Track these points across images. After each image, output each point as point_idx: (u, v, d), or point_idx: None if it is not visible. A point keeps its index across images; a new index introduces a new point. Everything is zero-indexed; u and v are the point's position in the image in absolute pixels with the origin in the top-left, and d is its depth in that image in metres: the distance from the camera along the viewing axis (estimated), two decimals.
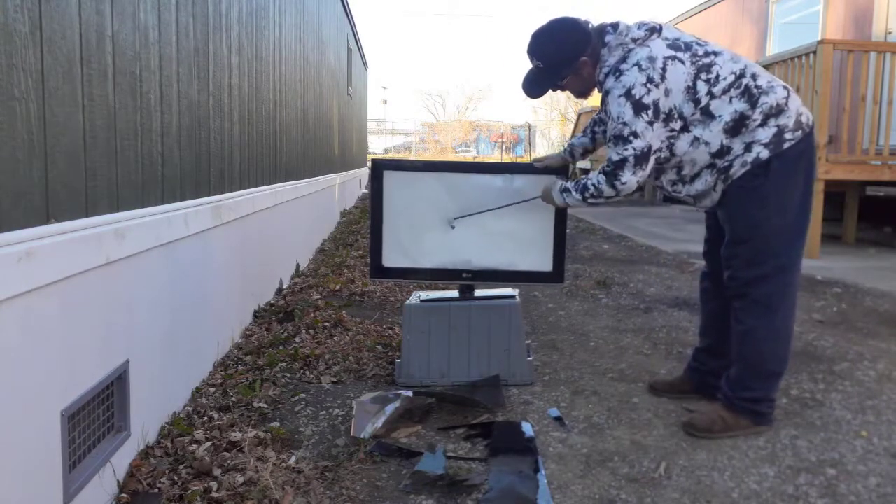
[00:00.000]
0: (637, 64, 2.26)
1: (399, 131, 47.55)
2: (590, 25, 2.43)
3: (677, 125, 2.29)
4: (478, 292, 2.98)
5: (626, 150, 2.28)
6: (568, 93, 2.68)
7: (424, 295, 3.06)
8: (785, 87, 2.33)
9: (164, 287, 2.35)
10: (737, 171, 2.29)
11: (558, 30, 2.44)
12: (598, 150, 2.99)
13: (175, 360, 2.48)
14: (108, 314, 1.89)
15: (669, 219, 9.54)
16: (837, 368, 3.03)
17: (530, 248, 2.91)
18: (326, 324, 3.69)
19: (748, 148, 2.27)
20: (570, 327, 3.81)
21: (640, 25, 2.35)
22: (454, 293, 2.99)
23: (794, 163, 2.28)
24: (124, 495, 1.90)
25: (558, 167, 2.85)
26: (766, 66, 6.57)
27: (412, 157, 39.65)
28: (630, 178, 2.31)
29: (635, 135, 2.26)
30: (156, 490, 1.94)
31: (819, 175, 5.63)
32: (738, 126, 2.26)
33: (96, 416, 1.85)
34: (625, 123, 2.26)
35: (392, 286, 4.75)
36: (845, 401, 2.67)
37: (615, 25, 2.39)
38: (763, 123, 2.26)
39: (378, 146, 42.29)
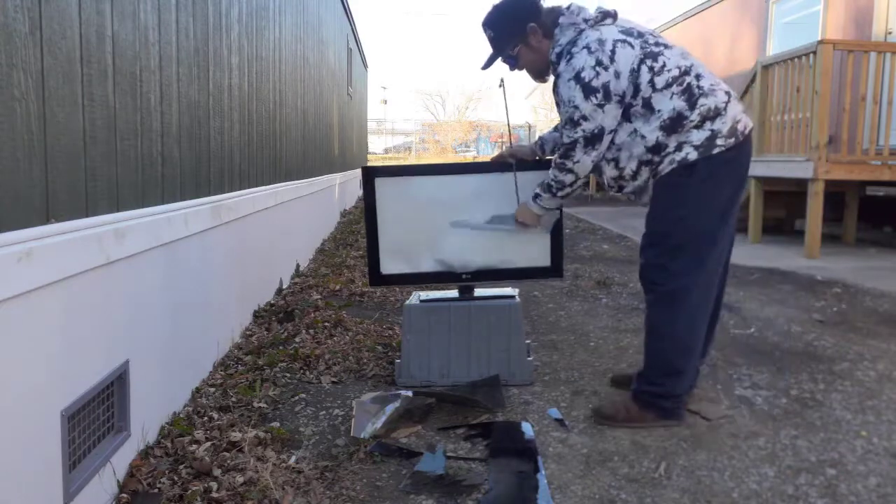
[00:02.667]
0: (587, 46, 2.32)
1: (399, 131, 47.56)
2: (542, 1, 2.50)
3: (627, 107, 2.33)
4: (478, 292, 2.98)
5: (576, 132, 2.35)
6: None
7: (424, 295, 3.06)
8: (727, 93, 2.37)
9: (164, 287, 2.35)
10: (664, 167, 2.35)
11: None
12: None
13: (175, 359, 2.48)
14: (108, 314, 1.89)
15: None
16: (837, 368, 3.03)
17: (528, 244, 2.90)
18: (326, 324, 3.69)
19: (679, 147, 2.31)
20: (570, 327, 3.81)
21: (596, 9, 2.41)
22: (454, 293, 2.99)
23: (722, 169, 2.32)
24: (124, 495, 1.90)
25: (529, 158, 2.85)
26: (766, 66, 6.58)
27: (412, 157, 39.59)
28: (582, 157, 2.39)
29: (584, 118, 2.32)
30: (156, 490, 1.94)
31: (819, 175, 5.63)
32: (674, 124, 2.30)
33: (96, 416, 1.85)
34: (575, 107, 2.32)
35: (392, 287, 4.75)
36: (845, 401, 2.67)
37: (569, 7, 2.44)
38: (699, 125, 2.30)
39: (378, 146, 42.27)
